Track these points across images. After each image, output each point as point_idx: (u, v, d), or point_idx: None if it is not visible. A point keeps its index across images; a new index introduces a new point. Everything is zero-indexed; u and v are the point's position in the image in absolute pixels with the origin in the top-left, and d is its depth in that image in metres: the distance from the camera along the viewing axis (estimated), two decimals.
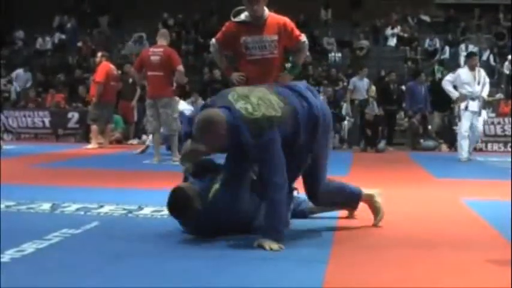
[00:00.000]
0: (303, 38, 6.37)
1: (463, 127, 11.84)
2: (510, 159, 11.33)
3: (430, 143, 15.27)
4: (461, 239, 4.68)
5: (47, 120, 17.36)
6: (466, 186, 8.04)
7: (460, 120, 11.95)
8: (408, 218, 5.57)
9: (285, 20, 6.28)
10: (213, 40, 6.45)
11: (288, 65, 6.60)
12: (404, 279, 3.50)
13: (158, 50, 10.34)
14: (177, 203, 4.46)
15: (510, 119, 15.44)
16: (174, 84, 10.43)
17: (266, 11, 6.17)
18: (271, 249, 4.10)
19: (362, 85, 16.16)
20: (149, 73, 10.24)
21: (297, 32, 6.31)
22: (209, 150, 4.49)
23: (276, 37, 6.15)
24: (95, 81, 13.85)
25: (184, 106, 12.42)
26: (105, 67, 13.74)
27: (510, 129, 15.19)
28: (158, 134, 10.59)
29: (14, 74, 20.33)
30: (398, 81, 17.24)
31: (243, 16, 6.19)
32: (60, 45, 23.07)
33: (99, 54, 14.42)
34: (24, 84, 20.19)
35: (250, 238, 4.30)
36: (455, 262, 3.98)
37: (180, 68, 10.21)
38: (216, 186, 4.54)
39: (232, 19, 6.25)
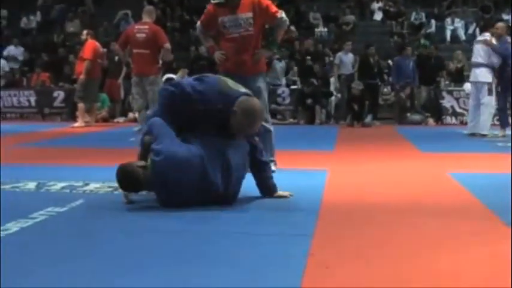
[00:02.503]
0: (280, 14, 6.58)
1: (493, 101, 11.46)
2: (497, 132, 11.35)
3: (417, 117, 15.30)
4: (447, 210, 4.71)
5: (32, 100, 17.26)
6: (452, 160, 8.06)
7: (491, 93, 11.27)
8: (394, 191, 5.59)
9: None
10: (198, 22, 6.91)
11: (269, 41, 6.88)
12: (387, 244, 3.53)
13: (144, 27, 10.20)
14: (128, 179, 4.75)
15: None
16: (160, 62, 10.34)
17: None
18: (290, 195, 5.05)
19: (347, 59, 16.14)
20: (135, 50, 10.09)
21: (273, 8, 6.57)
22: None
23: (250, 14, 6.49)
24: (82, 58, 13.68)
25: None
26: (91, 44, 13.65)
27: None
28: (145, 112, 10.46)
29: (5, 52, 20.15)
30: (381, 55, 17.22)
31: None
32: (45, 24, 22.89)
33: (85, 32, 14.23)
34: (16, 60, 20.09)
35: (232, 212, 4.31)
36: (436, 228, 4.07)
37: (167, 45, 10.14)
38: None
39: (212, 1, 6.71)
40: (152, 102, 10.26)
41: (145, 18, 10.39)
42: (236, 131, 4.89)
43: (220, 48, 6.69)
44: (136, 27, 10.40)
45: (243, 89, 5.11)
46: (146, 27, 10.18)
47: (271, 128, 6.58)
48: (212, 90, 4.99)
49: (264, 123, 6.41)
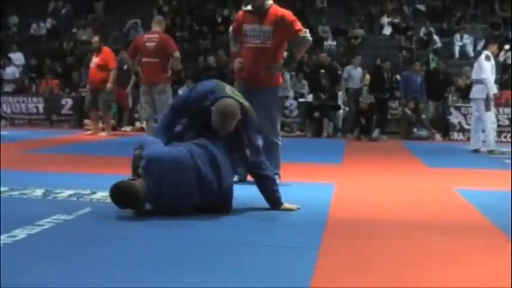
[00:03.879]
0: (303, 33, 6.56)
1: (493, 116, 11.57)
2: (503, 149, 11.34)
3: (424, 132, 15.29)
4: (453, 227, 4.70)
5: (40, 106, 17.32)
6: (459, 176, 8.05)
7: (489, 109, 11.29)
8: (401, 205, 5.59)
9: (284, 12, 6.58)
10: (230, 28, 7.03)
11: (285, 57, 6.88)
12: (393, 258, 3.52)
13: (153, 36, 10.25)
14: (125, 196, 4.68)
15: (510, 109, 15.36)
16: (169, 71, 10.36)
17: (269, 2, 6.55)
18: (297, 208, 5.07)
19: (356, 74, 16.16)
20: (144, 59, 10.13)
21: (298, 26, 6.55)
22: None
23: (270, 28, 6.48)
24: (101, 66, 13.33)
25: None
26: (111, 52, 13.68)
27: (504, 120, 15.16)
28: (152, 121, 10.47)
29: (13, 57, 20.21)
30: (392, 70, 17.23)
31: (249, 6, 6.61)
32: (54, 30, 22.99)
33: (97, 38, 13.95)
34: (20, 64, 20.14)
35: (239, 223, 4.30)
36: (442, 243, 4.06)
37: (177, 54, 10.17)
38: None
39: (243, 8, 6.76)
40: (160, 111, 10.24)
41: (155, 28, 10.43)
42: (214, 130, 4.98)
43: (240, 56, 6.71)
44: (145, 36, 10.44)
45: (238, 96, 5.14)
46: (156, 36, 10.22)
47: (279, 142, 6.59)
48: (206, 89, 5.16)
49: (271, 136, 6.43)
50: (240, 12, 6.80)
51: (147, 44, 10.11)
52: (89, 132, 13.86)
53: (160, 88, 10.14)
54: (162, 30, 10.47)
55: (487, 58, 11.19)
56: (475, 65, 11.56)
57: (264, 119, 6.24)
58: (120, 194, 4.67)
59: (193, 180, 4.71)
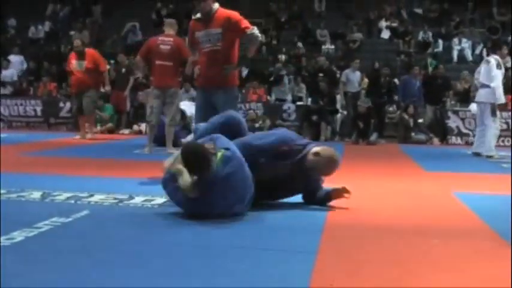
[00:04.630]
0: (251, 30, 6.70)
1: (497, 122, 11.51)
2: (502, 153, 11.35)
3: (421, 136, 15.30)
4: (450, 231, 4.70)
5: (38, 109, 17.34)
6: (457, 180, 8.05)
7: (495, 115, 11.21)
8: (399, 209, 5.59)
9: (230, 13, 6.80)
10: (186, 39, 7.29)
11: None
12: (391, 262, 3.52)
13: (168, 39, 10.01)
14: (197, 157, 4.66)
15: (508, 113, 15.36)
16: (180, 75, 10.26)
17: (215, 6, 6.78)
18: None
19: (354, 77, 16.17)
20: (157, 62, 9.89)
21: (244, 24, 6.72)
22: None
23: (219, 30, 6.70)
24: (92, 70, 12.87)
25: (185, 104, 12.18)
26: (98, 54, 13.34)
27: (503, 124, 15.15)
28: (156, 127, 10.26)
29: (14, 59, 20.17)
30: (390, 74, 17.26)
31: (198, 14, 6.87)
32: (52, 33, 23.00)
33: (79, 42, 13.42)
34: (20, 68, 20.12)
35: (238, 227, 4.30)
36: (440, 247, 4.05)
37: (190, 58, 10.07)
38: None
39: (193, 17, 7.03)
40: (169, 114, 10.08)
41: (168, 31, 10.17)
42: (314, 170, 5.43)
43: (198, 63, 6.97)
44: (160, 38, 10.09)
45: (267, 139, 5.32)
46: (171, 39, 9.98)
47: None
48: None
49: None
50: (191, 22, 7.00)
51: (162, 46, 9.89)
52: (77, 137, 13.32)
53: (173, 91, 9.99)
54: (175, 33, 10.32)
55: (498, 66, 11.09)
56: (483, 69, 11.26)
57: None
58: (196, 153, 4.68)
59: (240, 196, 4.83)
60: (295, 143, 5.33)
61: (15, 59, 20.28)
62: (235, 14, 6.78)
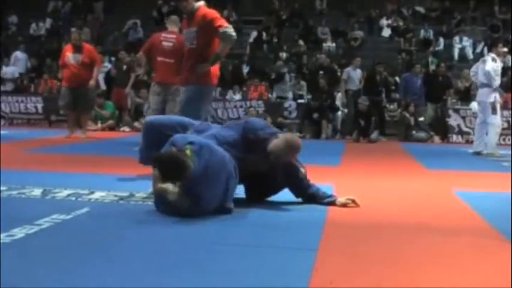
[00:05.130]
0: (224, 29, 6.67)
1: (498, 120, 11.52)
2: (502, 152, 11.35)
3: (422, 134, 15.30)
4: (451, 229, 4.70)
5: (39, 106, 17.33)
6: (458, 178, 8.05)
7: (495, 112, 11.27)
8: (400, 207, 5.59)
9: (206, 11, 6.78)
10: None
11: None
12: (391, 260, 3.52)
13: (171, 36, 9.80)
14: (173, 164, 4.61)
15: (509, 112, 15.36)
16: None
17: (198, 4, 6.79)
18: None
19: (356, 75, 16.16)
20: (159, 59, 9.68)
21: (218, 22, 6.69)
22: None
23: (194, 29, 6.75)
24: (87, 64, 12.62)
25: None
26: (93, 49, 13.18)
27: (504, 122, 15.13)
28: None
29: (12, 57, 20.14)
30: (390, 72, 17.25)
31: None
32: (53, 30, 23.00)
33: (76, 35, 13.13)
34: (24, 66, 20.11)
35: (238, 224, 4.30)
36: (441, 245, 4.06)
37: None
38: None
39: (184, 16, 7.09)
40: (170, 112, 10.01)
41: (171, 27, 10.06)
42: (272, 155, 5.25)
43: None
44: (162, 35, 9.93)
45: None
46: (173, 36, 9.86)
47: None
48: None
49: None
50: (184, 20, 7.12)
51: (164, 43, 9.78)
52: (66, 135, 12.98)
53: (175, 89, 9.91)
54: (178, 30, 10.24)
55: (494, 60, 11.14)
56: (480, 69, 11.38)
57: (189, 116, 6.33)
58: (171, 162, 4.63)
59: (223, 184, 4.81)
60: (264, 131, 5.25)
61: (21, 55, 20.24)
62: (211, 13, 6.76)
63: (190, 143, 4.80)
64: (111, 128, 15.63)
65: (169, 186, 4.59)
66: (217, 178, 4.77)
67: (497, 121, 11.33)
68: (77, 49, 12.68)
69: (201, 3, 6.83)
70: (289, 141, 5.20)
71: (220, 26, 6.63)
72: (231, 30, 6.69)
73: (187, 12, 6.82)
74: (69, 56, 12.67)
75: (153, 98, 9.91)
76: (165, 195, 4.61)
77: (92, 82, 12.82)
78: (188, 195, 4.62)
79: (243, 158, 5.09)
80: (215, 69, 6.97)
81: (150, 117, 6.13)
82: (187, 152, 4.69)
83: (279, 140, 5.14)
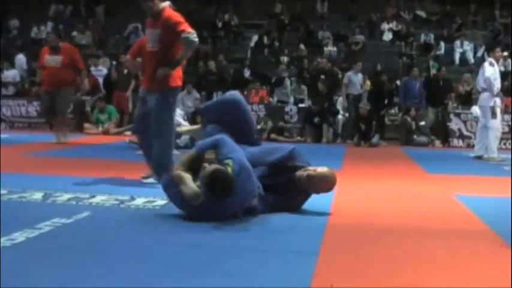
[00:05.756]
0: (186, 34, 6.39)
1: (498, 124, 11.54)
2: (503, 156, 11.34)
3: (423, 138, 15.29)
4: (451, 232, 4.70)
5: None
6: (458, 182, 8.05)
7: (495, 117, 11.26)
8: (400, 211, 5.59)
9: (171, 14, 6.50)
10: None
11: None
12: (392, 264, 3.52)
13: None
14: (223, 183, 4.60)
15: (510, 116, 15.33)
16: None
17: (163, 5, 6.52)
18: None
19: (357, 79, 16.16)
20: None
21: (181, 27, 6.40)
22: None
23: (158, 31, 6.47)
24: (68, 65, 11.96)
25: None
26: (75, 49, 12.86)
27: (504, 126, 15.12)
28: None
29: (16, 60, 20.10)
30: (389, 75, 17.24)
31: None
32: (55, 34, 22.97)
33: (53, 36, 12.84)
34: (26, 70, 20.10)
35: (239, 228, 4.31)
36: (441, 249, 4.07)
37: None
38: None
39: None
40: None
41: None
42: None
43: None
44: None
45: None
46: None
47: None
48: None
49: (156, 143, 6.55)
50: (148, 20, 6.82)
51: None
52: (54, 141, 12.31)
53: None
54: None
55: (491, 64, 11.19)
56: (479, 74, 11.46)
57: (154, 123, 6.42)
58: (226, 181, 4.62)
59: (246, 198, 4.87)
60: (299, 160, 5.43)
61: (24, 59, 20.22)
62: (175, 16, 6.50)
63: (231, 158, 4.79)
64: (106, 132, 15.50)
65: (189, 180, 4.69)
66: (242, 205, 4.84)
67: (497, 125, 11.35)
68: (55, 50, 12.11)
69: (167, 3, 6.59)
70: (323, 175, 5.32)
71: (183, 31, 6.38)
72: (193, 35, 6.43)
73: (153, 13, 6.54)
74: (47, 58, 12.11)
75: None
76: (180, 185, 4.67)
77: (82, 86, 12.65)
78: (214, 202, 4.68)
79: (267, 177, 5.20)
80: (178, 70, 6.70)
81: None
82: (229, 169, 4.68)
83: (315, 174, 5.26)
